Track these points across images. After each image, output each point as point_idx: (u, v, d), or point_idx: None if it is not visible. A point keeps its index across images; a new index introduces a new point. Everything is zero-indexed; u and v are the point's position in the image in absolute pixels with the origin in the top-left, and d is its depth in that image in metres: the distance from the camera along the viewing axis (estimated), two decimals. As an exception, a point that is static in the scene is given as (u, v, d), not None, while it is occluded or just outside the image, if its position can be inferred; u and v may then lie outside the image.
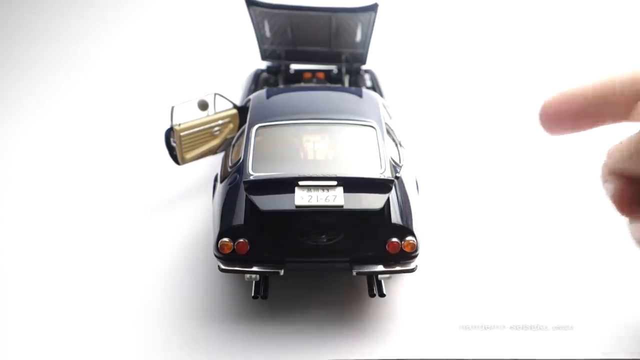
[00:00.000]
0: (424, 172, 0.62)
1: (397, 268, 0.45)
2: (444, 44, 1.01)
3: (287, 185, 0.45)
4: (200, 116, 0.58)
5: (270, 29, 0.72)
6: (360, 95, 0.59)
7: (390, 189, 0.45)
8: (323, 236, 0.45)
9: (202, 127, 0.57)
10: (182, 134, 0.56)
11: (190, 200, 0.62)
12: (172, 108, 0.56)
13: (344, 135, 0.51)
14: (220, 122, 0.58)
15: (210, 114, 0.58)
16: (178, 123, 0.56)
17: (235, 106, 0.59)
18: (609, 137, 0.76)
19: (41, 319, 0.48)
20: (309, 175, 0.45)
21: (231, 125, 0.59)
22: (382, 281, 0.46)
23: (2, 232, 0.58)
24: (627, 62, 0.90)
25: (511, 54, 0.97)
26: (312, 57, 0.75)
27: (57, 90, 0.85)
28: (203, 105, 0.58)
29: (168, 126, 0.56)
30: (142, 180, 0.64)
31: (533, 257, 0.54)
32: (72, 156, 0.70)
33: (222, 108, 0.59)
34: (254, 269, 0.45)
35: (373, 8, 0.66)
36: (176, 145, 0.56)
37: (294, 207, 0.44)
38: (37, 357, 0.44)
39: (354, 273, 0.45)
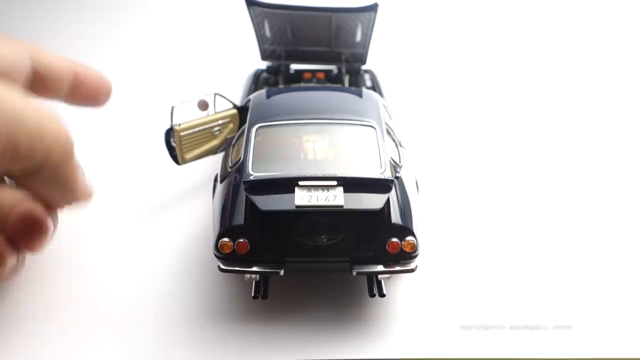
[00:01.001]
0: (424, 172, 0.62)
1: (397, 268, 0.45)
2: (444, 44, 1.01)
3: (287, 185, 0.45)
4: (200, 116, 0.58)
5: (270, 29, 0.72)
6: (360, 95, 0.59)
7: (390, 189, 0.45)
8: (323, 236, 0.45)
9: (202, 127, 0.57)
10: (182, 134, 0.56)
11: (190, 200, 0.62)
12: (172, 108, 0.56)
13: (344, 135, 0.51)
14: (220, 122, 0.58)
15: (210, 114, 0.58)
16: (178, 123, 0.56)
17: (235, 106, 0.59)
18: (611, 139, 0.75)
19: (39, 318, 0.48)
20: (309, 175, 0.45)
21: (231, 125, 0.59)
22: (382, 281, 0.46)
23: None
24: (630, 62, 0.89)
25: (512, 54, 0.97)
26: (312, 57, 0.74)
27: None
28: (203, 105, 0.58)
29: (168, 126, 0.56)
30: (141, 180, 0.64)
31: (533, 257, 0.54)
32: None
33: (222, 108, 0.59)
34: (254, 269, 0.45)
35: (373, 8, 0.66)
36: (176, 146, 0.56)
37: (294, 207, 0.44)
38: (36, 357, 0.44)
39: (354, 273, 0.45)
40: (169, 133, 0.57)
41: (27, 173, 0.38)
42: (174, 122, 0.56)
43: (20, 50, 0.48)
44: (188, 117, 0.57)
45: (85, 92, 0.54)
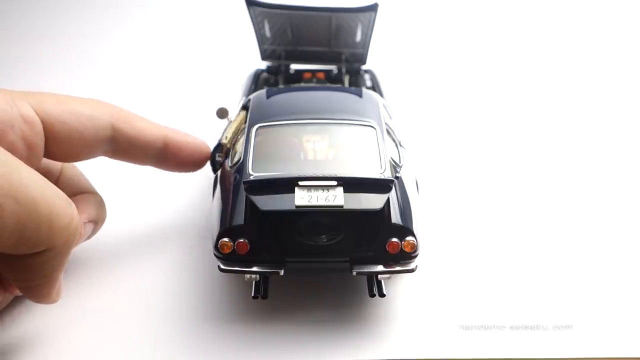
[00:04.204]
0: (424, 172, 0.62)
1: (397, 268, 0.45)
2: (445, 43, 1.01)
3: (287, 185, 0.45)
4: (227, 125, 0.57)
5: (270, 29, 0.72)
6: (360, 95, 0.59)
7: (390, 189, 0.45)
8: (323, 236, 0.45)
9: (235, 135, 0.57)
10: (228, 146, 0.55)
11: (189, 200, 0.62)
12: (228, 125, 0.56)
13: (344, 135, 0.51)
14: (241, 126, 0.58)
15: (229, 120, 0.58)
16: (225, 136, 0.55)
17: (243, 106, 0.59)
18: (613, 143, 0.75)
19: (37, 317, 0.48)
20: (309, 176, 0.45)
21: (243, 126, 0.59)
22: (382, 281, 0.46)
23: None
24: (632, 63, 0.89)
25: (512, 54, 0.97)
26: (312, 57, 0.74)
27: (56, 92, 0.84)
28: (223, 113, 0.58)
29: (216, 142, 0.56)
30: (141, 180, 0.64)
31: (533, 257, 0.54)
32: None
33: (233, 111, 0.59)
34: (254, 269, 0.45)
35: (373, 8, 0.66)
36: (222, 159, 0.56)
37: (294, 207, 0.44)
38: (33, 356, 0.44)
39: (354, 273, 0.45)
40: (217, 149, 0.56)
41: (14, 255, 0.36)
42: (222, 138, 0.55)
43: (95, 116, 0.46)
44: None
45: (175, 161, 0.52)
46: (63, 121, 0.44)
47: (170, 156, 0.52)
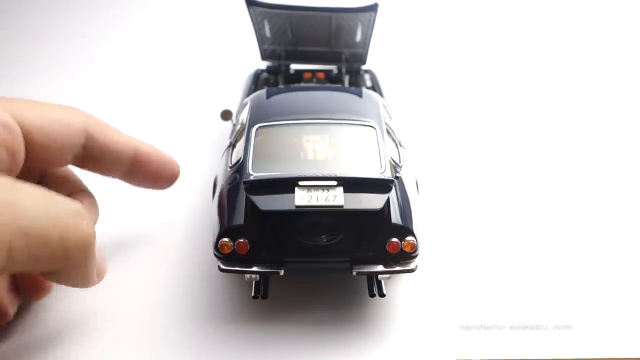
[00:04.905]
0: (424, 172, 0.62)
1: (397, 268, 0.45)
2: (445, 43, 1.01)
3: (287, 185, 0.45)
4: (230, 126, 0.57)
5: (270, 29, 0.72)
6: (360, 95, 0.59)
7: (390, 189, 0.45)
8: (323, 236, 0.45)
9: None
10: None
11: (190, 200, 0.62)
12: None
13: (344, 135, 0.51)
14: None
15: (233, 121, 0.58)
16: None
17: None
18: (612, 143, 0.75)
19: (40, 319, 0.48)
20: (309, 176, 0.45)
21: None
22: (382, 281, 0.46)
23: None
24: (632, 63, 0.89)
25: (512, 54, 0.97)
26: (312, 57, 0.75)
27: (56, 92, 0.84)
28: (227, 115, 0.58)
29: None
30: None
31: (533, 257, 0.54)
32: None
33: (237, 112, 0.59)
34: (254, 269, 0.45)
35: (373, 8, 0.66)
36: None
37: (294, 207, 0.44)
38: (33, 356, 0.44)
39: (354, 273, 0.45)
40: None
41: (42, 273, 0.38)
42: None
43: (70, 122, 0.45)
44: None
45: (145, 175, 0.52)
46: (41, 127, 0.44)
47: (139, 169, 0.52)
